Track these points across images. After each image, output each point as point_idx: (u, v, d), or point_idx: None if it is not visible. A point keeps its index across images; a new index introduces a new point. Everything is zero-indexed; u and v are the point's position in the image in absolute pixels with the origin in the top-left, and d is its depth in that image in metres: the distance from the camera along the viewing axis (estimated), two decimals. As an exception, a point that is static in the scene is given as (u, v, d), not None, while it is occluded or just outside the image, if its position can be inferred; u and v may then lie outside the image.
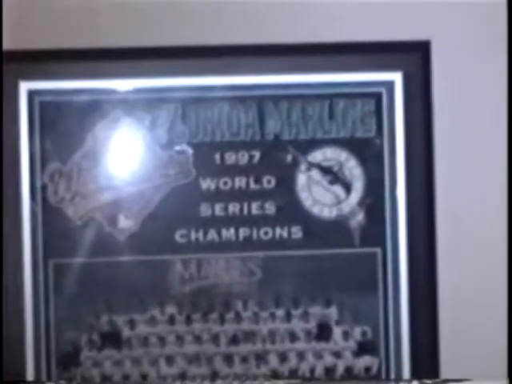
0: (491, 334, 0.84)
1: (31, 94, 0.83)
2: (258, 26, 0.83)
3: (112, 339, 0.85)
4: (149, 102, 0.84)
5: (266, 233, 0.85)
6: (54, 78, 0.83)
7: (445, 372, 0.85)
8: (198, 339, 0.86)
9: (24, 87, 0.83)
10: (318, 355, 0.86)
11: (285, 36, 0.84)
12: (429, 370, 0.85)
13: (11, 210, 0.84)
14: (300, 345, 0.86)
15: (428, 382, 0.80)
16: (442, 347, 0.86)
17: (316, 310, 0.86)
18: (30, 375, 0.84)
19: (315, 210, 0.85)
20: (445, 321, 0.86)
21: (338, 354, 0.86)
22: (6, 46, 0.81)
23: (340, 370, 0.86)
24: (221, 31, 0.83)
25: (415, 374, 0.85)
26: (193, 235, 0.85)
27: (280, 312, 0.86)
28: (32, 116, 0.83)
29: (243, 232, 0.85)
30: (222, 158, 0.85)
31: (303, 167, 0.85)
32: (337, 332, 0.86)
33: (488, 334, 0.84)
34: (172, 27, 0.83)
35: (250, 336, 0.86)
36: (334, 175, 0.85)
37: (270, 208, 0.85)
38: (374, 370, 0.86)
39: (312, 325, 0.86)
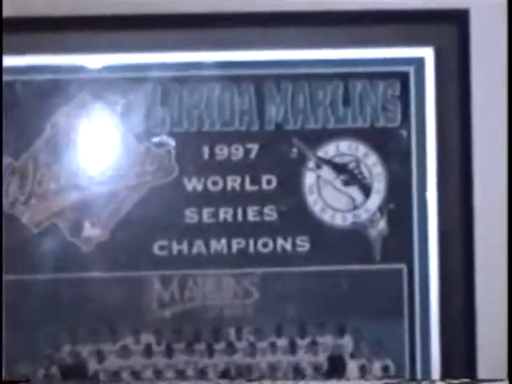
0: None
1: (-24, 72, 0.69)
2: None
3: (75, 374, 0.72)
4: (122, 83, 0.70)
5: (265, 244, 0.72)
6: (5, 52, 0.68)
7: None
8: (181, 375, 0.72)
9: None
10: None
11: (289, 2, 0.69)
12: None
13: None
14: (307, 382, 0.72)
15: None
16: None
17: (327, 340, 0.72)
18: None
19: (326, 217, 0.72)
20: (483, 355, 0.70)
21: None
22: None
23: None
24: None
25: None
26: (175, 247, 0.71)
27: (282, 342, 0.72)
28: (-23, 99, 0.69)
29: (237, 243, 0.72)
30: (212, 152, 0.71)
31: (311, 164, 0.71)
32: (352, 367, 0.72)
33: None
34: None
35: (245, 371, 0.72)
36: (349, 174, 0.72)
37: (271, 214, 0.71)
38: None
39: (322, 358, 0.72)
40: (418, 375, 0.72)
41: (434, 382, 0.71)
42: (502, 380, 0.66)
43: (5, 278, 0.70)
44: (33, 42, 0.69)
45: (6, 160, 0.70)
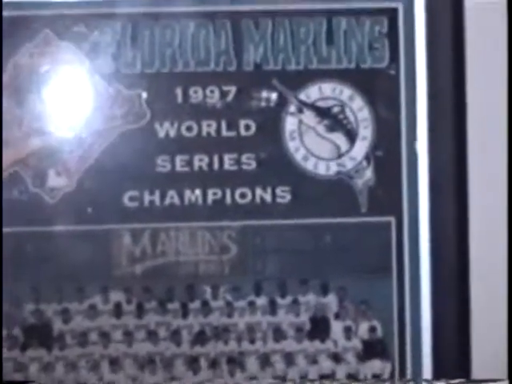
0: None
1: None
2: None
3: (39, 335, 0.67)
4: (89, 19, 0.65)
5: (243, 195, 0.67)
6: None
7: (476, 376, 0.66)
8: (152, 336, 0.67)
9: None
10: (312, 359, 0.67)
11: None
12: (456, 376, 0.66)
13: None
14: (288, 345, 0.68)
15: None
16: (474, 345, 0.66)
17: (309, 299, 0.67)
18: None
19: (308, 166, 0.67)
20: (478, 312, 0.66)
21: (337, 357, 0.68)
22: None
23: (341, 378, 0.67)
24: None
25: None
26: (146, 198, 0.66)
27: (261, 301, 0.67)
28: None
29: (213, 194, 0.67)
30: (186, 94, 0.66)
31: (293, 108, 0.66)
32: (336, 328, 0.67)
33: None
34: None
35: (221, 333, 0.67)
36: (333, 119, 0.66)
37: (249, 162, 0.66)
38: (385, 377, 0.68)
39: (304, 318, 0.67)
40: (408, 335, 0.67)
41: (430, 381, 0.66)
42: (502, 380, 0.62)
43: None
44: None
45: None
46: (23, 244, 0.66)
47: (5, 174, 0.65)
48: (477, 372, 0.67)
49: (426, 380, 0.67)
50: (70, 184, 0.66)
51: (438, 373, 0.66)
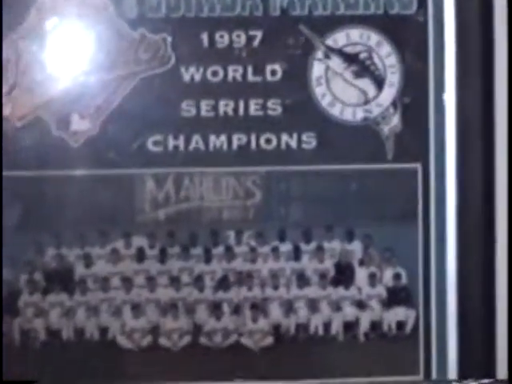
0: None
1: None
2: None
3: (61, 280, 0.67)
4: None
5: (268, 141, 0.66)
6: None
7: (502, 328, 0.66)
8: (175, 282, 0.67)
9: None
10: (336, 306, 0.68)
11: None
12: (480, 325, 0.67)
13: None
14: (311, 291, 0.68)
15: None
16: (498, 295, 0.66)
17: (334, 246, 0.68)
18: None
19: (334, 112, 0.66)
20: (504, 260, 0.66)
21: (361, 305, 0.68)
22: None
23: (364, 325, 0.68)
24: None
25: (461, 329, 0.66)
26: (170, 143, 0.66)
27: (286, 247, 0.68)
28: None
29: (238, 139, 0.66)
30: (211, 39, 0.65)
31: (319, 54, 0.66)
32: (361, 275, 0.68)
33: None
34: None
35: (244, 278, 0.68)
36: (360, 65, 0.66)
37: (275, 108, 0.66)
38: (409, 326, 0.68)
39: (328, 265, 0.68)
40: (433, 283, 0.67)
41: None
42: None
43: None
44: None
45: None
46: (46, 189, 0.66)
47: (28, 118, 0.65)
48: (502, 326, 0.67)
49: (455, 380, 0.67)
50: (93, 128, 0.65)
51: (462, 321, 0.67)
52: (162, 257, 0.67)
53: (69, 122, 0.65)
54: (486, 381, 0.64)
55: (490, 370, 0.67)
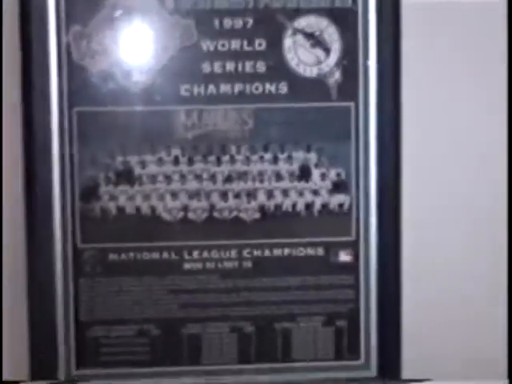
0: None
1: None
2: None
3: (126, 177, 0.98)
4: None
5: (257, 88, 0.97)
6: None
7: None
8: (198, 178, 0.99)
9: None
10: (300, 193, 1.00)
11: None
12: (394, 211, 1.00)
13: (39, 64, 0.96)
14: (284, 184, 1.00)
15: None
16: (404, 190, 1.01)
17: (299, 155, 0.99)
18: (56, 206, 0.99)
19: (299, 69, 0.98)
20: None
21: (316, 192, 1.00)
22: None
23: (317, 205, 1.00)
24: None
25: (380, 209, 1.01)
26: (195, 89, 0.97)
27: (268, 156, 0.99)
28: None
29: (238, 87, 0.97)
30: (221, 23, 0.97)
31: (290, 32, 0.97)
32: (315, 173, 1.00)
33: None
34: None
35: (242, 176, 0.99)
36: (315, 39, 0.97)
37: (261, 67, 0.97)
38: (346, 206, 1.01)
39: (295, 167, 1.00)
40: (361, 178, 1.01)
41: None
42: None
43: (77, 109, 0.95)
44: None
45: (77, 28, 0.98)
46: (116, 118, 0.96)
47: (104, 72, 0.97)
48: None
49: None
50: (147, 80, 0.98)
51: (379, 201, 1.02)
52: (190, 162, 0.98)
53: (131, 75, 0.97)
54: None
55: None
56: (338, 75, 0.98)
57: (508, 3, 0.78)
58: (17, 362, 0.96)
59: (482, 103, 0.97)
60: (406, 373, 0.99)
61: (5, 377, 0.86)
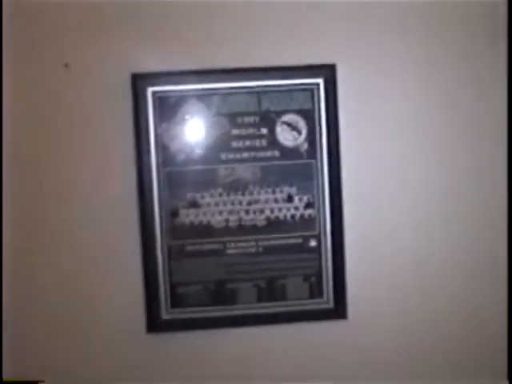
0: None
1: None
2: None
3: (193, 204, 1.78)
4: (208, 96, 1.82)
5: (262, 154, 1.74)
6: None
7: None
8: (232, 203, 1.80)
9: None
10: (287, 209, 1.79)
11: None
12: (339, 218, 1.83)
13: (144, 142, 1.74)
14: (279, 205, 1.78)
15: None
16: (345, 207, 1.82)
17: (286, 189, 1.77)
18: (157, 220, 1.79)
19: (285, 143, 1.67)
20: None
21: (296, 208, 1.80)
22: None
23: (297, 216, 1.78)
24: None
25: (332, 217, 1.84)
26: (229, 155, 1.77)
27: (269, 190, 1.77)
28: None
29: (251, 154, 1.76)
30: (242, 119, 1.75)
31: (279, 123, 1.67)
32: (296, 198, 1.79)
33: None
34: None
35: (256, 201, 1.79)
36: (293, 127, 1.67)
37: (264, 143, 1.71)
38: (313, 215, 1.80)
39: (285, 195, 1.79)
40: (320, 201, 1.84)
41: None
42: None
43: (166, 169, 1.80)
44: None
45: (164, 124, 1.81)
46: (187, 174, 1.74)
47: (179, 147, 1.82)
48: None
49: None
50: (202, 151, 1.79)
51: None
52: (228, 195, 1.74)
53: (194, 149, 1.77)
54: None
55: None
56: (306, 146, 1.71)
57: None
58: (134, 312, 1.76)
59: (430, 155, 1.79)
60: (351, 307, 1.76)
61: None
